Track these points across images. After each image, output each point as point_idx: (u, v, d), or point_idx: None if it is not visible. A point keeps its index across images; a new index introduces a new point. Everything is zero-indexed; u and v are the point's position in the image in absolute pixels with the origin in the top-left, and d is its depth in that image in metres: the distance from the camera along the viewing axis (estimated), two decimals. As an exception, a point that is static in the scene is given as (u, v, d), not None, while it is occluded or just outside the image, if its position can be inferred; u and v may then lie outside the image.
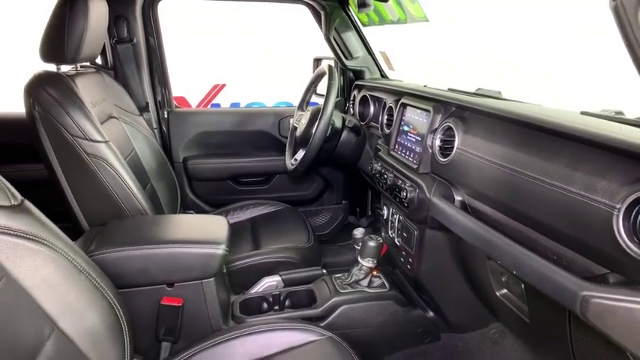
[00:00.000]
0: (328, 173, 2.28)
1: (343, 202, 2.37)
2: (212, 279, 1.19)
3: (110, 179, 1.30)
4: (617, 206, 0.63)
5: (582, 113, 0.93)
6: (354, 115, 1.92)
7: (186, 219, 1.44)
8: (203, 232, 1.23)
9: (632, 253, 0.61)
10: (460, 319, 1.40)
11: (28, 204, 0.76)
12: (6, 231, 0.68)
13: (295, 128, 1.77)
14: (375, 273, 1.44)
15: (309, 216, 2.19)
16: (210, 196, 2.19)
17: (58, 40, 1.27)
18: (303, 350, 1.04)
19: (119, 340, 0.85)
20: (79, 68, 1.48)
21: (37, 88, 1.25)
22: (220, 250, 1.16)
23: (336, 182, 2.32)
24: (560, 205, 0.74)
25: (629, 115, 0.85)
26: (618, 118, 0.84)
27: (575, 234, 0.71)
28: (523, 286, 0.94)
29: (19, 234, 0.70)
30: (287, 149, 1.82)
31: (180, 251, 1.14)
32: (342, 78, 2.16)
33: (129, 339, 0.87)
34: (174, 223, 1.34)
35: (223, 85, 3.99)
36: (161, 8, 1.97)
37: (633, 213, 0.62)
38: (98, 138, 1.28)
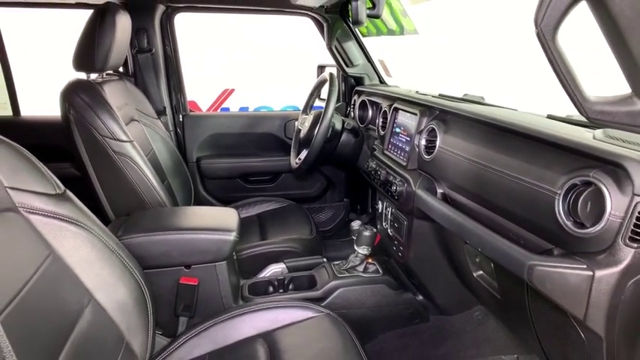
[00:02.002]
0: (331, 172, 2.38)
1: (345, 199, 2.47)
2: (224, 262, 1.32)
3: (134, 174, 1.43)
4: (558, 192, 0.76)
5: (548, 117, 1.06)
6: (354, 118, 2.01)
7: (202, 210, 1.56)
8: (216, 220, 1.36)
9: (568, 230, 0.74)
10: (447, 302, 1.51)
11: (69, 193, 0.89)
12: (53, 215, 0.81)
13: (299, 130, 1.89)
14: (370, 260, 1.56)
15: (312, 212, 2.29)
16: (221, 193, 2.31)
17: (89, 52, 1.41)
18: (304, 325, 1.14)
19: (144, 313, 0.97)
20: (104, 76, 1.61)
21: (71, 94, 1.38)
22: (232, 236, 1.29)
23: (338, 181, 2.42)
24: (517, 193, 0.87)
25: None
26: (577, 121, 0.97)
27: (529, 216, 0.85)
28: (492, 265, 1.08)
29: (63, 218, 0.83)
30: (292, 150, 1.93)
31: (196, 237, 1.27)
32: (343, 84, 2.27)
33: (152, 313, 0.99)
34: (191, 213, 1.47)
35: (232, 90, 4.11)
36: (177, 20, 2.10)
37: (569, 197, 0.76)
38: (124, 138, 1.41)
